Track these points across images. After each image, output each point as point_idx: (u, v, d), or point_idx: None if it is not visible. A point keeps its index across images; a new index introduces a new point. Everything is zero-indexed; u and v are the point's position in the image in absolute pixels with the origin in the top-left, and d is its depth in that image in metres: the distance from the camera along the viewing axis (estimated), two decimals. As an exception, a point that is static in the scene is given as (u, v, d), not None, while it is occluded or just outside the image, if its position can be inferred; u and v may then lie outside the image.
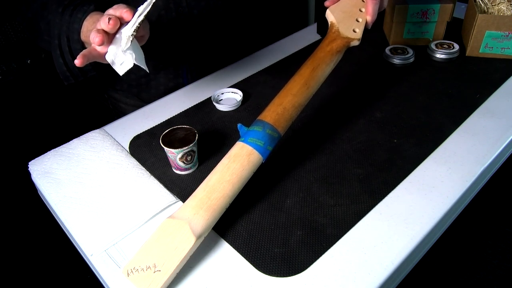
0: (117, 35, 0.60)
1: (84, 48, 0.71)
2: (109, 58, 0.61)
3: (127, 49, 0.59)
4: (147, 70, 0.63)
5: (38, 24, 0.75)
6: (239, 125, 0.61)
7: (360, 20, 0.67)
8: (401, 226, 0.57)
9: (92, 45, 0.59)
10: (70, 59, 0.73)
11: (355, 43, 0.66)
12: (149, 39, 0.90)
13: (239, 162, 0.56)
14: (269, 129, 0.58)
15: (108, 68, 0.89)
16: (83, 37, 0.70)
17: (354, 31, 0.66)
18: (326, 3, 0.71)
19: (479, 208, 1.56)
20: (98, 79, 0.98)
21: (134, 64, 0.60)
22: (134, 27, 0.57)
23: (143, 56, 0.62)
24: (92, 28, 0.64)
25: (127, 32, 0.57)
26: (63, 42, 0.72)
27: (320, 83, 0.64)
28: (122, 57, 0.60)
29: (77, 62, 0.58)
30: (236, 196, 0.57)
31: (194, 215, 0.53)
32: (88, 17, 0.68)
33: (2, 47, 1.27)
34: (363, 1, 0.70)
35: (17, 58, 1.30)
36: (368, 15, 0.67)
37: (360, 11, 0.68)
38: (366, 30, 0.68)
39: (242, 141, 0.58)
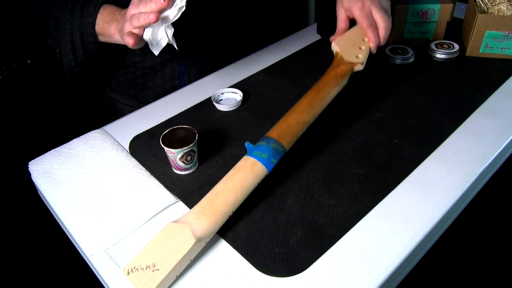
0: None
1: (98, 40, 0.75)
2: (146, 37, 0.66)
3: (168, 26, 0.65)
4: (176, 48, 0.68)
5: (45, 22, 0.76)
6: (246, 143, 0.64)
7: (363, 47, 0.72)
8: (401, 226, 0.57)
9: (133, 22, 0.63)
10: (81, 54, 0.76)
11: (359, 67, 0.70)
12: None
13: (243, 172, 0.58)
14: (273, 143, 0.61)
15: (108, 68, 0.89)
16: (98, 29, 0.73)
17: (357, 56, 0.71)
18: (331, 38, 0.76)
19: (479, 208, 1.56)
20: (99, 78, 0.98)
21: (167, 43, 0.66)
22: None
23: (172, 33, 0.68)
24: (109, 20, 0.71)
25: (178, 3, 0.62)
26: (76, 37, 0.74)
27: (325, 104, 0.67)
28: (159, 34, 0.66)
29: (131, 42, 0.63)
30: (240, 204, 0.58)
31: (196, 219, 0.54)
32: (101, 10, 0.73)
33: (2, 47, 1.27)
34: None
35: (17, 58, 1.30)
36: (370, 42, 0.71)
37: (363, 40, 0.72)
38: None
39: (248, 155, 0.61)
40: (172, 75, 0.93)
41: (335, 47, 0.74)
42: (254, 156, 0.60)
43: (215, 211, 0.55)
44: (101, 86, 1.02)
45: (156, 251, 0.52)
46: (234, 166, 0.60)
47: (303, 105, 0.66)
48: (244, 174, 0.58)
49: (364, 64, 0.71)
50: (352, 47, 0.72)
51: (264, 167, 0.59)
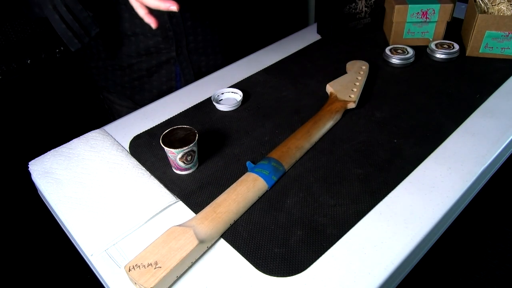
0: None
1: None
2: None
3: None
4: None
5: None
6: (247, 162, 0.67)
7: (355, 89, 0.81)
8: (401, 226, 0.57)
9: None
10: (70, 18, 0.71)
11: (352, 105, 0.79)
12: (143, 41, 0.89)
13: (245, 185, 0.62)
14: (274, 162, 0.66)
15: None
16: None
17: (350, 96, 0.80)
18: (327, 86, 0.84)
19: (479, 208, 1.56)
20: (92, 49, 0.94)
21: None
22: None
23: None
24: None
25: None
26: (58, 3, 0.69)
27: (320, 134, 0.73)
28: None
29: (154, 25, 0.62)
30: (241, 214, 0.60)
31: (200, 224, 0.56)
32: None
33: (2, 47, 1.26)
34: (357, 78, 0.84)
35: (17, 58, 1.30)
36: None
37: (355, 84, 0.83)
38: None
39: (249, 171, 0.64)
40: (169, 77, 0.93)
41: (329, 88, 0.83)
42: (256, 172, 0.64)
43: (218, 218, 0.57)
44: (98, 87, 1.01)
45: (158, 251, 0.52)
46: (237, 181, 0.63)
47: (301, 133, 0.72)
48: (246, 187, 0.61)
49: (356, 102, 0.79)
50: (345, 90, 0.82)
51: (265, 182, 0.63)
